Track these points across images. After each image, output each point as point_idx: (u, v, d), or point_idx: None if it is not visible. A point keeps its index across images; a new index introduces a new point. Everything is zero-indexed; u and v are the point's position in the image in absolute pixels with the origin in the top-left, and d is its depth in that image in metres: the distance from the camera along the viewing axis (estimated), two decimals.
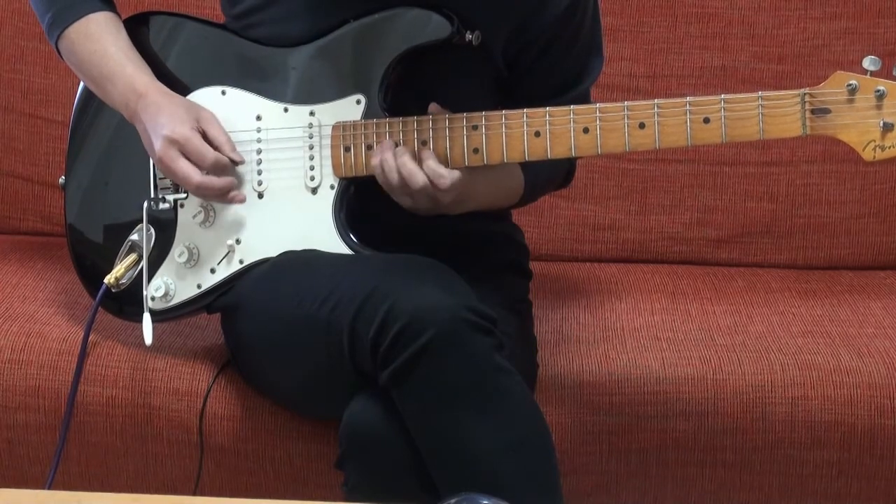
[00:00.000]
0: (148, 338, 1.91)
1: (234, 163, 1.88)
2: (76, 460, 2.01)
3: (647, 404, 2.00)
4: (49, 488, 1.93)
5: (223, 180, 1.87)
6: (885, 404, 2.00)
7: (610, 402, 2.00)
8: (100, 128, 2.02)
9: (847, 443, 2.00)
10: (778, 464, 2.01)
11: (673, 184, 2.45)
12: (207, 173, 1.86)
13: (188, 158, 1.85)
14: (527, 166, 1.95)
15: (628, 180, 2.45)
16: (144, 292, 1.93)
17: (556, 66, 1.95)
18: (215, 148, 1.87)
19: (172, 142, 1.85)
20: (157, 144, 1.86)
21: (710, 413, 2.00)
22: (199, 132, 1.87)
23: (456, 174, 1.81)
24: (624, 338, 2.13)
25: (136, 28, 1.99)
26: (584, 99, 1.97)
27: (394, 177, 1.81)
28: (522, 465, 1.70)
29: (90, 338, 2.01)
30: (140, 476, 2.02)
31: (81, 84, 2.04)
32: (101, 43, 1.94)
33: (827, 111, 1.73)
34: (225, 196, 1.87)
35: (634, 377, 2.02)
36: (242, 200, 1.88)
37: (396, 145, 1.83)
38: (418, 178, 1.80)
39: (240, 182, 1.91)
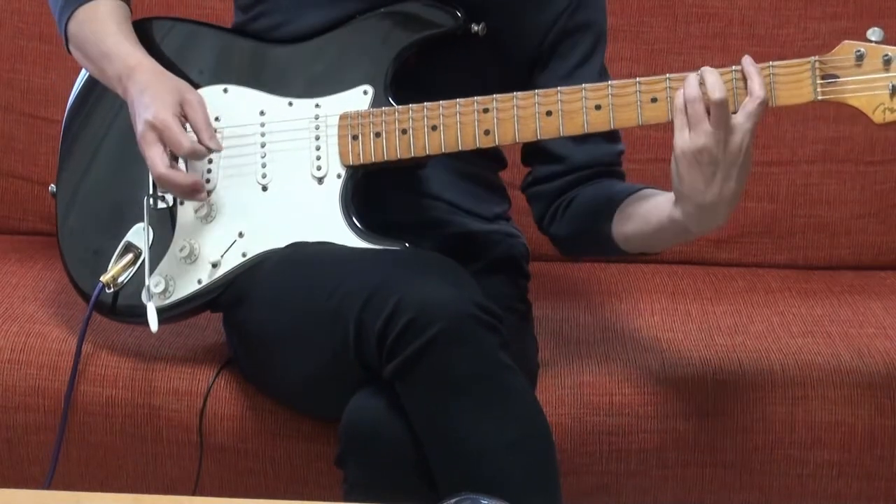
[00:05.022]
0: (154, 325, 1.91)
1: (210, 150, 1.87)
2: (76, 460, 2.01)
3: (647, 404, 2.00)
4: (48, 487, 1.93)
5: (187, 178, 1.86)
6: (885, 404, 2.00)
7: (610, 402, 2.00)
8: (92, 130, 2.02)
9: (847, 443, 2.00)
10: (778, 464, 2.01)
11: None
12: (186, 160, 1.86)
13: (165, 144, 1.85)
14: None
15: (628, 180, 2.45)
16: (146, 281, 1.92)
17: (573, 50, 1.97)
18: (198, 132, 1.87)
19: (152, 127, 1.85)
20: (139, 126, 1.86)
21: (710, 413, 2.00)
22: (181, 117, 1.87)
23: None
24: (624, 338, 2.13)
25: (140, 33, 1.99)
26: (603, 72, 2.00)
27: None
28: (523, 463, 1.70)
29: (90, 338, 2.01)
30: (140, 476, 2.02)
31: (74, 88, 2.04)
32: (106, 24, 1.95)
33: (836, 77, 1.75)
34: (188, 193, 1.87)
35: (634, 377, 2.02)
36: (203, 199, 1.88)
37: None
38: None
39: (244, 178, 1.91)
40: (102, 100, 2.01)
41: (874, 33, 1.75)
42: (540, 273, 2.22)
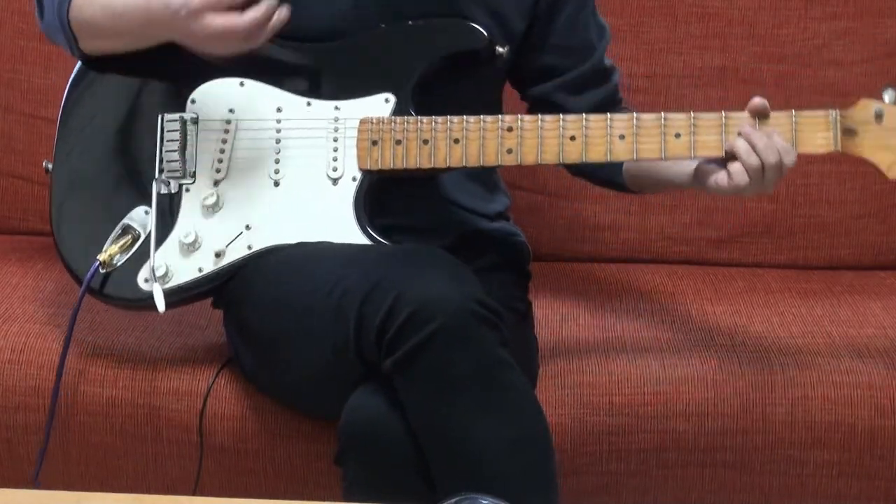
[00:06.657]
0: (161, 305, 1.90)
1: None
2: (76, 460, 2.01)
3: (647, 404, 2.00)
4: (35, 482, 1.93)
5: (261, 7, 1.84)
6: (885, 404, 2.00)
7: (610, 402, 2.00)
8: (90, 112, 2.00)
9: (847, 443, 2.00)
10: (778, 464, 2.01)
11: None
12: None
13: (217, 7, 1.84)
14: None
15: None
16: (151, 263, 1.91)
17: (568, 34, 2.00)
18: None
19: (197, 13, 1.84)
20: (192, 31, 1.84)
21: (710, 413, 2.00)
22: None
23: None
24: (624, 338, 2.13)
25: None
26: (602, 67, 2.03)
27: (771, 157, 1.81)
28: (522, 462, 1.70)
29: (90, 338, 2.01)
30: (140, 476, 2.02)
31: (73, 74, 2.03)
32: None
33: (854, 132, 1.83)
34: (269, 22, 1.85)
35: (634, 377, 2.02)
36: (285, 19, 1.86)
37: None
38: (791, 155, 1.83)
39: (256, 172, 1.92)
40: (101, 83, 2.00)
41: (889, 94, 1.83)
42: (540, 273, 2.22)
